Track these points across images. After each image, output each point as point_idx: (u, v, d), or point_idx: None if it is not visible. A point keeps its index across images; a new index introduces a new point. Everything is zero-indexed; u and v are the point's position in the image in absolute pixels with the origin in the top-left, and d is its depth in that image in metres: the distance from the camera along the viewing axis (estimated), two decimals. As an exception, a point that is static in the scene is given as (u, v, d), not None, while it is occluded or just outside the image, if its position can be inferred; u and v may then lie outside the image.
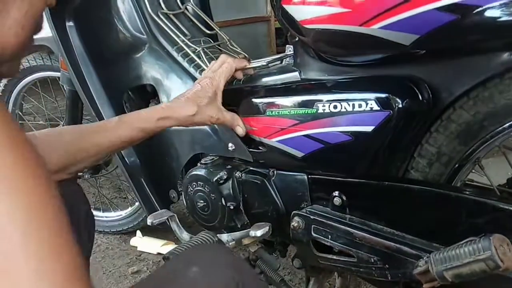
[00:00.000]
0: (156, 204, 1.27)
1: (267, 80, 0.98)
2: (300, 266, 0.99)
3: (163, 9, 1.20)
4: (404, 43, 0.71)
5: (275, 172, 0.97)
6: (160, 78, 1.20)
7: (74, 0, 1.20)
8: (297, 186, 0.94)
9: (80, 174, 1.51)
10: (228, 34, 1.28)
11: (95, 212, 1.29)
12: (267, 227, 0.94)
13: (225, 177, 1.01)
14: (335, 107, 0.83)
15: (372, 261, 0.79)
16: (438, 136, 0.81)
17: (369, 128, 0.80)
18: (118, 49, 1.25)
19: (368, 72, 0.84)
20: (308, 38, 0.83)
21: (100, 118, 1.25)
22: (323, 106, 0.84)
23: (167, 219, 1.05)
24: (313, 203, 0.92)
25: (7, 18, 0.47)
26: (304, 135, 0.87)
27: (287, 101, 0.90)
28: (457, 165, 0.80)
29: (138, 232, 1.64)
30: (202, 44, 1.21)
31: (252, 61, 1.04)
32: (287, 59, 1.02)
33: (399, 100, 0.78)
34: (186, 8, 1.25)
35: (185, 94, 0.94)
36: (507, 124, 0.75)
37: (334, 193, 0.87)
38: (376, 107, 0.79)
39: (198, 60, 1.15)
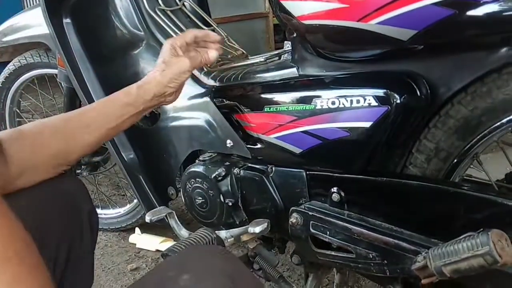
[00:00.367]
0: (155, 201, 1.26)
1: (265, 76, 0.98)
2: (298, 262, 0.99)
3: (160, 5, 1.20)
4: (402, 38, 0.71)
5: (273, 168, 0.97)
6: (158, 75, 1.19)
7: (71, -3, 1.20)
8: (295, 182, 0.94)
9: (78, 171, 1.51)
10: (226, 31, 1.28)
11: (93, 210, 1.29)
12: (266, 224, 0.94)
13: (223, 173, 1.01)
14: (333, 103, 0.83)
15: (371, 257, 0.80)
16: (436, 131, 0.81)
17: (367, 124, 0.80)
18: (116, 45, 1.25)
19: (366, 68, 0.84)
20: (306, 34, 0.82)
21: (98, 115, 1.24)
22: (321, 102, 0.84)
23: (166, 216, 1.05)
24: (312, 199, 0.92)
25: None
26: (302, 131, 0.87)
27: (285, 97, 0.90)
28: (455, 161, 0.81)
29: (137, 229, 1.64)
30: (200, 40, 1.20)
31: (250, 57, 1.03)
32: (285, 55, 1.02)
33: (397, 96, 0.78)
34: (183, 4, 1.25)
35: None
36: (505, 119, 0.75)
37: (332, 189, 0.87)
38: (374, 103, 0.79)
39: (195, 57, 1.14)
